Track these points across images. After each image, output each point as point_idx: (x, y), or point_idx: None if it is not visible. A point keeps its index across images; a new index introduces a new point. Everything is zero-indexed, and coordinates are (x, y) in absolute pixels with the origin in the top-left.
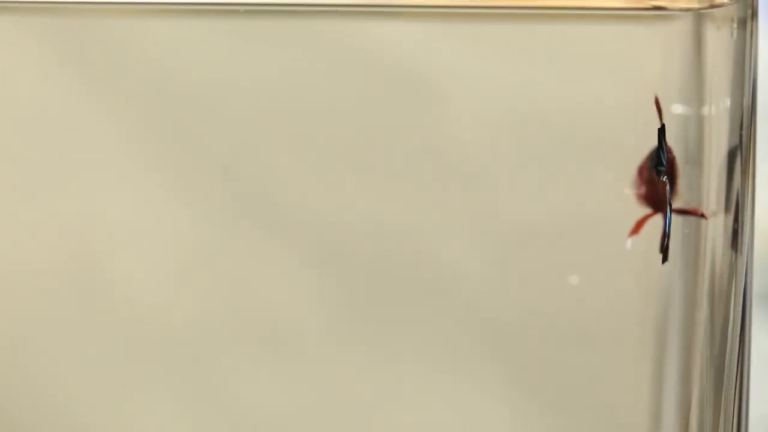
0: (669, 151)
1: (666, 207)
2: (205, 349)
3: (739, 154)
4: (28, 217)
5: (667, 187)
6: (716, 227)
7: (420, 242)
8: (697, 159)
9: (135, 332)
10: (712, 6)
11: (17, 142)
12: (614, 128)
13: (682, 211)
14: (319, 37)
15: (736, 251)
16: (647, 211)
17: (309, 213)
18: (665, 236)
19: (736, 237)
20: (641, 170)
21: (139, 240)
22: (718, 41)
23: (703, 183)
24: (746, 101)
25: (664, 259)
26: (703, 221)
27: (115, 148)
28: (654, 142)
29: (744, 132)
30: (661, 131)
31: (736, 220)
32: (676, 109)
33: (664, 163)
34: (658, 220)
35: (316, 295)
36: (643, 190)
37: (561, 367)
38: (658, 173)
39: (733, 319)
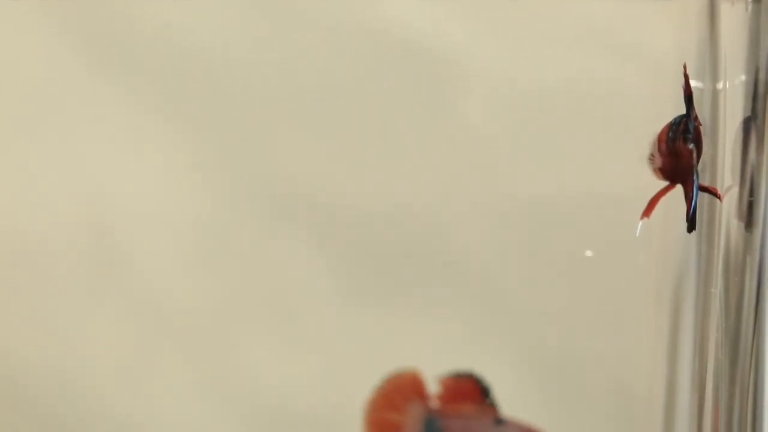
0: (695, 119)
1: (691, 176)
2: (221, 326)
3: (754, 127)
4: (45, 194)
5: (694, 154)
6: (731, 200)
7: (435, 218)
8: (712, 133)
9: (151, 308)
10: None
11: (34, 119)
12: (629, 104)
13: (700, 188)
14: (332, 15)
15: (751, 224)
16: (662, 186)
17: (323, 191)
18: (691, 205)
19: (751, 210)
20: (659, 142)
21: (155, 218)
22: (733, 16)
23: (718, 156)
24: (761, 75)
25: (691, 228)
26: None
27: (132, 127)
28: (671, 116)
29: (759, 106)
30: (689, 99)
31: (751, 193)
32: (691, 84)
33: (692, 130)
34: (670, 196)
35: (329, 273)
36: (660, 162)
37: (576, 340)
38: (686, 140)
39: (749, 291)
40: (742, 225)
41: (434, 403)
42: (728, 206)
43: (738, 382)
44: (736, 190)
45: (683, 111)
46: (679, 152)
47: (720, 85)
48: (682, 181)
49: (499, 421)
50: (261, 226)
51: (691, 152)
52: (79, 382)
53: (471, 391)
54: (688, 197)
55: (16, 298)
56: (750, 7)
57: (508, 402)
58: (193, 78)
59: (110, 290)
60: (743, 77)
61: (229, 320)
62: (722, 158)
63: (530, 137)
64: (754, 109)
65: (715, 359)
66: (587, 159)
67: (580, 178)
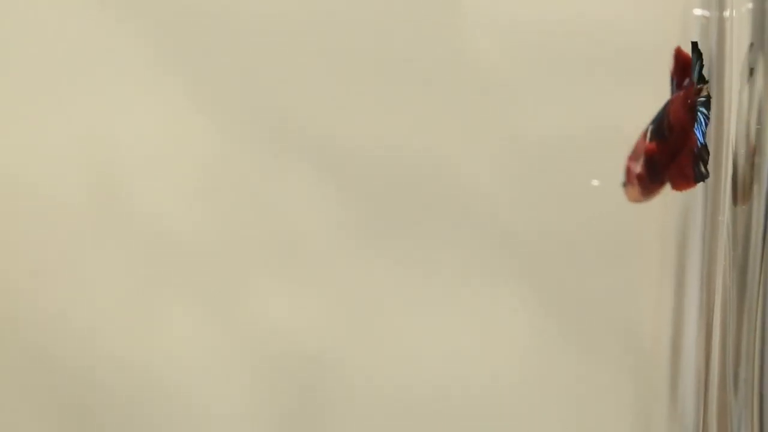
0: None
1: (691, 135)
2: (227, 266)
3: (761, 54)
4: (50, 138)
5: (704, 92)
6: (738, 130)
7: (440, 154)
8: (719, 61)
9: (157, 249)
10: None
11: (39, 65)
12: (635, 37)
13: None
14: None
15: (759, 153)
16: None
17: (326, 128)
18: (697, 158)
19: (759, 139)
20: (638, 145)
21: (159, 158)
22: None
23: (725, 85)
24: None
25: (698, 179)
26: (725, 127)
27: (135, 69)
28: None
29: (765, 33)
30: (695, 46)
31: (758, 120)
32: (697, 13)
33: (695, 75)
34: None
35: (336, 211)
36: (643, 170)
37: (583, 272)
38: (699, 81)
39: (756, 219)
40: (750, 153)
41: None
42: (735, 134)
43: (746, 310)
44: (743, 117)
45: (687, 45)
46: (676, 119)
47: (726, 13)
48: (676, 154)
49: None
50: (266, 165)
51: (693, 104)
52: (84, 323)
53: None
54: (689, 163)
55: (22, 240)
56: None
57: (512, 337)
58: (195, 20)
59: (116, 231)
60: (750, 5)
61: (236, 260)
62: (729, 87)
63: (535, 71)
64: (760, 36)
65: (722, 287)
66: (593, 92)
67: (586, 112)
